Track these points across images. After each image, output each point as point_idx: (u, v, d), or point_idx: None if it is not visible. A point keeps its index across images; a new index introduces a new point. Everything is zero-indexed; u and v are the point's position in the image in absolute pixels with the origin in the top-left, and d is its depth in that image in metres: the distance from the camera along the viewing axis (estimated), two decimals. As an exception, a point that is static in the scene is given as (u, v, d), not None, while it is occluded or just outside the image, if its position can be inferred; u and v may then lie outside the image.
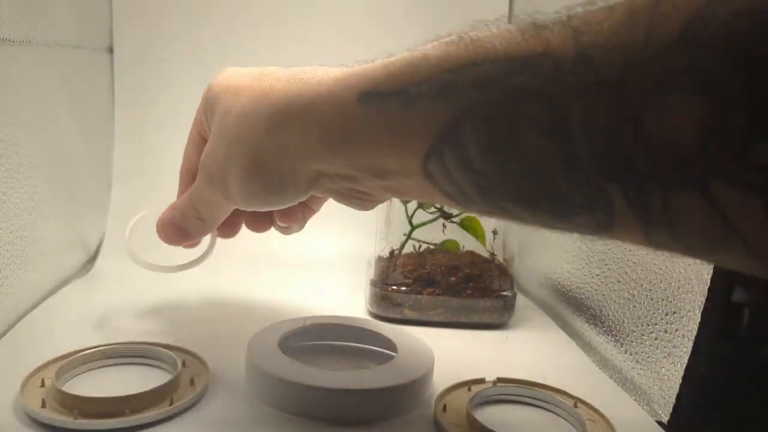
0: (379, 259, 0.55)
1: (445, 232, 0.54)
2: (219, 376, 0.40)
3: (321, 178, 0.32)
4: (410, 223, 0.54)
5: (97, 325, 0.48)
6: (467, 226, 0.53)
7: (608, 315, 0.48)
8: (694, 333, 0.37)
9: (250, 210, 0.37)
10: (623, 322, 0.46)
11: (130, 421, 0.33)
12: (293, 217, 0.42)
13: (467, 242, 0.55)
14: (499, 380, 0.41)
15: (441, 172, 0.26)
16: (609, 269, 0.49)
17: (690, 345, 0.37)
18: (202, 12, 0.68)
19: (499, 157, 0.24)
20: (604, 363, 0.48)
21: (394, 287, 0.53)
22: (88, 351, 0.40)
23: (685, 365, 0.38)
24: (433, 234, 0.55)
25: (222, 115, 0.33)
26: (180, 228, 0.40)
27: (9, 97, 0.46)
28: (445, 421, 0.36)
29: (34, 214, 0.50)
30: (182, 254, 0.46)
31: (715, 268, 0.36)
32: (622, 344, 0.46)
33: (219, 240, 0.47)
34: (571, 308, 0.54)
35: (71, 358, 0.39)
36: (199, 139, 0.39)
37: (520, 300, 0.59)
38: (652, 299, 0.42)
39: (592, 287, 0.51)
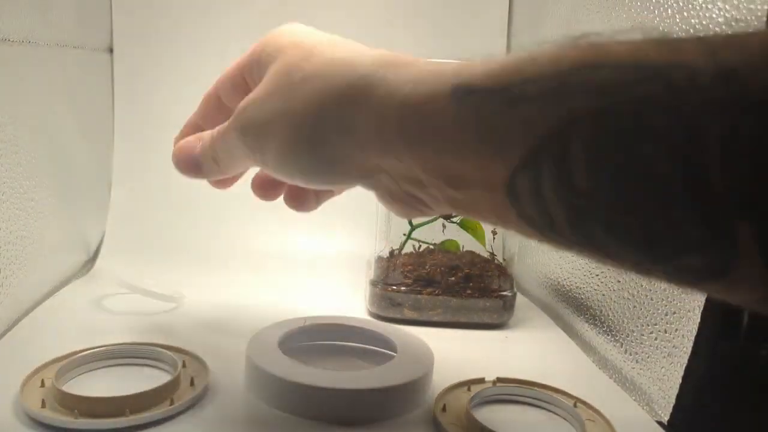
0: (379, 259, 0.55)
1: (445, 232, 0.54)
2: (219, 376, 0.40)
3: (378, 174, 0.29)
4: (410, 223, 0.54)
5: (97, 325, 0.48)
6: (467, 226, 0.53)
7: (608, 315, 0.48)
8: (694, 333, 0.37)
9: (274, 176, 0.33)
10: (623, 322, 0.46)
11: (130, 421, 0.33)
12: (303, 199, 0.38)
13: (467, 242, 0.55)
14: (499, 380, 0.41)
15: (529, 188, 0.22)
16: (609, 269, 0.48)
17: (690, 345, 0.37)
18: (202, 12, 0.68)
19: (610, 176, 0.20)
20: (604, 363, 0.48)
21: (394, 287, 0.53)
22: (88, 351, 0.40)
23: (685, 365, 0.38)
24: (433, 234, 0.55)
25: (286, 68, 0.30)
26: (194, 160, 0.36)
27: (9, 97, 0.46)
28: (445, 421, 0.36)
29: (34, 214, 0.50)
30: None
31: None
32: (622, 344, 0.46)
33: (219, 240, 0.47)
34: (571, 308, 0.54)
35: (71, 358, 0.39)
36: (239, 80, 0.35)
37: (520, 300, 0.59)
38: (652, 299, 0.42)
39: (592, 287, 0.51)
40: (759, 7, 0.34)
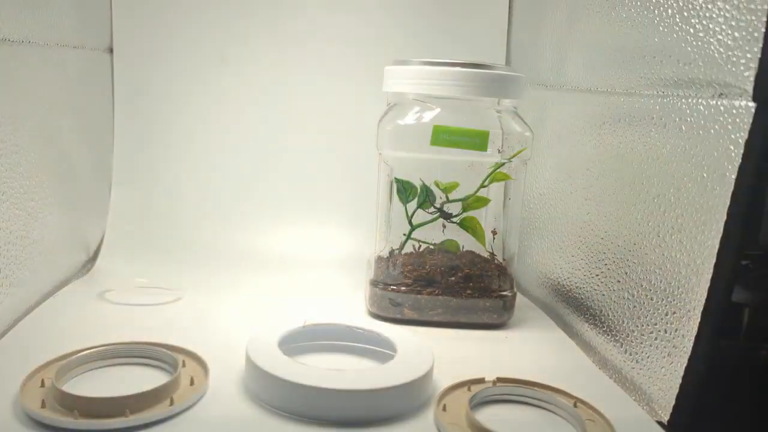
0: (379, 259, 0.55)
1: (445, 232, 0.54)
2: (219, 376, 0.40)
3: None
4: (410, 223, 0.54)
5: (96, 325, 0.48)
6: (467, 226, 0.53)
7: (608, 315, 0.48)
8: (694, 333, 0.37)
9: None
10: (623, 322, 0.46)
11: (130, 421, 0.33)
12: None
13: (467, 242, 0.55)
14: (499, 380, 0.41)
15: None
16: (609, 269, 0.48)
17: (690, 345, 0.37)
18: (202, 12, 0.68)
19: None
20: (603, 363, 0.48)
21: (394, 287, 0.53)
22: (88, 351, 0.40)
23: (685, 365, 0.38)
24: (433, 234, 0.55)
25: None
26: None
27: (9, 97, 0.46)
28: (445, 421, 0.36)
29: (34, 214, 0.50)
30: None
31: (715, 267, 0.36)
32: (622, 344, 0.46)
33: (219, 240, 0.47)
34: (571, 308, 0.54)
35: (71, 358, 0.39)
36: None
37: (520, 300, 0.59)
38: (652, 299, 0.42)
39: (592, 287, 0.51)
40: (759, 7, 0.34)
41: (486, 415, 0.38)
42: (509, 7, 0.72)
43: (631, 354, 0.44)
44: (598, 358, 0.48)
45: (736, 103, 0.36)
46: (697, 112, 0.39)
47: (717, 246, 0.36)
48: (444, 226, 0.54)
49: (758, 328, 0.35)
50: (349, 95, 0.70)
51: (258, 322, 0.44)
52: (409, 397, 0.38)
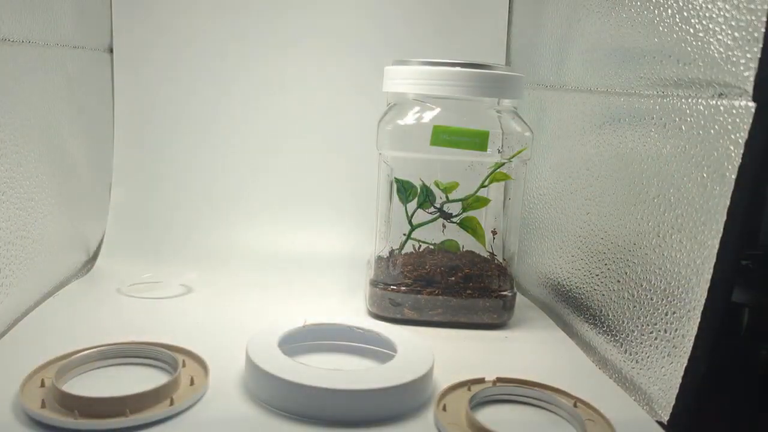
0: (379, 259, 0.55)
1: (445, 232, 0.54)
2: (219, 376, 0.40)
3: None
4: (410, 223, 0.54)
5: (96, 325, 0.48)
6: (467, 226, 0.53)
7: (608, 315, 0.48)
8: (694, 333, 0.37)
9: None
10: (623, 322, 0.46)
11: (130, 421, 0.33)
12: None
13: (467, 242, 0.55)
14: (499, 380, 0.41)
15: None
16: (609, 269, 0.48)
17: (690, 345, 0.37)
18: (202, 12, 0.68)
19: None
20: (603, 363, 0.48)
21: (394, 287, 0.53)
22: (88, 351, 0.40)
23: (685, 365, 0.38)
24: (433, 234, 0.55)
25: None
26: None
27: (9, 97, 0.46)
28: (445, 421, 0.36)
29: (34, 214, 0.50)
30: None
31: (715, 267, 0.36)
32: (622, 344, 0.46)
33: (219, 240, 0.47)
34: (571, 308, 0.54)
35: (71, 358, 0.39)
36: None
37: (520, 300, 0.59)
38: (652, 299, 0.42)
39: (592, 287, 0.51)
40: (759, 7, 0.34)
41: (486, 415, 0.38)
42: (509, 7, 0.72)
43: (631, 354, 0.44)
44: (598, 358, 0.48)
45: (736, 103, 0.36)
46: (697, 112, 0.39)
47: (717, 246, 0.36)
48: (444, 226, 0.54)
49: (758, 328, 0.35)
50: (349, 95, 0.70)
51: (258, 322, 0.44)
52: (409, 397, 0.38)
